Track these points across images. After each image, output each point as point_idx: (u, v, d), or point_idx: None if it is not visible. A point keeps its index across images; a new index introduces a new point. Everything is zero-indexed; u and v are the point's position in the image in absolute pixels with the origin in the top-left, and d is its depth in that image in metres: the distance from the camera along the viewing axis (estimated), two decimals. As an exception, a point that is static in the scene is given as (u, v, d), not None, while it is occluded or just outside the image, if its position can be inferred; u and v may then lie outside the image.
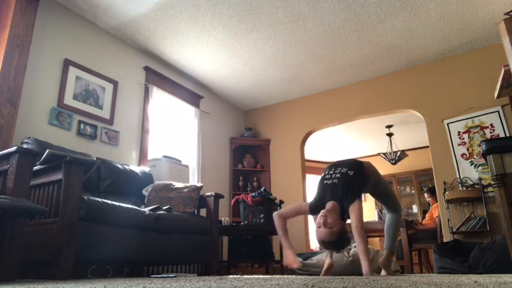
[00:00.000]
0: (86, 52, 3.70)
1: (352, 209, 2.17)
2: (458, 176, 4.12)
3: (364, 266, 2.08)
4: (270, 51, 4.35)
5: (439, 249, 3.42)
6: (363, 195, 2.55)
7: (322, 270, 2.53)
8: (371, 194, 2.63)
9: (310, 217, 5.26)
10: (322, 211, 2.19)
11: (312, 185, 8.38)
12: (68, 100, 3.44)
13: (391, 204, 2.65)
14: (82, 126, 3.50)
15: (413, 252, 4.95)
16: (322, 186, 2.35)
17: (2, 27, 2.97)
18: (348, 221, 2.24)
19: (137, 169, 3.52)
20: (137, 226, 2.58)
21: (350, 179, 2.27)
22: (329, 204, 2.22)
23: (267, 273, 3.59)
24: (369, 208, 8.19)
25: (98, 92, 3.71)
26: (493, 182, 2.20)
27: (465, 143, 4.16)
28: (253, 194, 3.80)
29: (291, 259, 2.30)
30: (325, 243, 2.17)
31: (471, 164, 4.08)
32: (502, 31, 2.30)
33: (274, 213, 2.44)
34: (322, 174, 2.43)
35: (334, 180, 2.30)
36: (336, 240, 2.14)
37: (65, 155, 2.20)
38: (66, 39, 3.53)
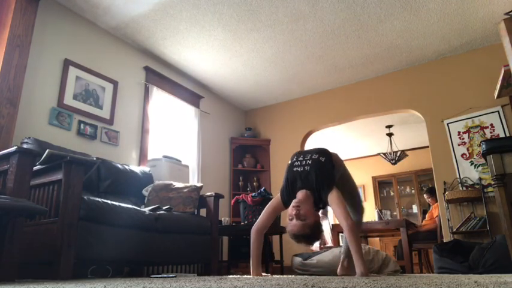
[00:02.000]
0: (86, 52, 3.70)
1: (334, 200, 2.00)
2: (458, 176, 4.12)
3: (359, 267, 1.89)
4: (270, 51, 4.35)
5: (439, 249, 3.42)
6: None
7: (337, 269, 2.42)
8: (339, 185, 2.37)
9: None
10: (294, 201, 2.02)
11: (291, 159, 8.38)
12: (68, 100, 3.44)
13: (352, 201, 2.39)
14: (82, 126, 3.50)
15: (413, 252, 4.95)
16: (292, 174, 2.15)
17: (2, 27, 2.97)
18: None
19: (137, 169, 3.52)
20: (137, 226, 2.58)
21: (323, 166, 2.10)
22: (301, 194, 2.05)
23: (266, 273, 3.58)
24: (369, 208, 8.19)
25: (98, 92, 3.71)
26: (493, 182, 2.20)
27: (465, 143, 4.16)
28: (253, 194, 3.80)
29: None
30: (298, 237, 1.99)
31: (471, 164, 4.08)
32: (502, 31, 2.30)
33: (252, 229, 2.20)
34: (290, 162, 2.23)
35: (306, 168, 2.11)
36: (310, 233, 1.98)
37: (65, 155, 2.20)
38: (66, 39, 3.53)
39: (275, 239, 4.86)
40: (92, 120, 3.62)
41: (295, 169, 2.16)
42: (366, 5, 3.56)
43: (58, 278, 1.98)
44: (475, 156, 4.07)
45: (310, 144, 6.94)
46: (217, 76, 4.94)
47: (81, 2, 3.52)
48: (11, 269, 1.72)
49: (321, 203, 2.07)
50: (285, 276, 2.44)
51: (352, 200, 2.40)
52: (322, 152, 2.22)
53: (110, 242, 2.36)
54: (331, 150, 2.31)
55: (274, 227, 3.78)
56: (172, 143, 4.53)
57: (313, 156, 2.16)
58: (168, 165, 3.87)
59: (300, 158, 2.20)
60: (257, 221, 2.23)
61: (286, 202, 2.14)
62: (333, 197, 2.01)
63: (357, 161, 8.70)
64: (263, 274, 2.19)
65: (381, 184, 8.52)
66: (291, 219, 2.00)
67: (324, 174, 2.08)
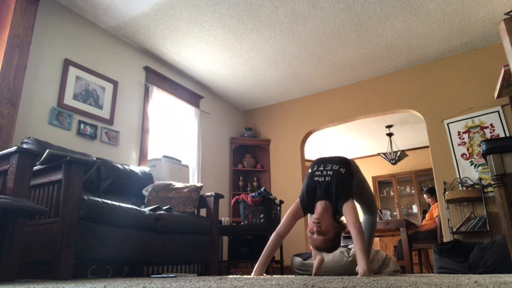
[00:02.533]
0: (86, 52, 3.70)
1: (348, 210, 2.08)
2: (458, 176, 4.12)
3: (362, 265, 1.94)
4: (270, 51, 4.35)
5: (439, 249, 3.42)
6: None
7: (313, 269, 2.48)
8: (355, 192, 2.48)
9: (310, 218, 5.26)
10: (314, 217, 2.09)
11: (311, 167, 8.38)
12: (68, 100, 3.44)
13: (369, 205, 2.54)
14: (82, 126, 3.50)
15: (413, 252, 4.95)
16: (313, 183, 2.21)
17: (2, 27, 2.97)
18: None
19: (137, 169, 3.52)
20: (137, 226, 2.58)
21: (343, 178, 2.18)
22: (321, 205, 2.11)
23: (266, 273, 3.58)
24: (369, 208, 8.18)
25: (98, 92, 3.71)
26: (493, 182, 2.20)
27: (465, 143, 4.16)
28: (253, 194, 3.80)
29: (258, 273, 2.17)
30: (319, 249, 2.10)
31: (471, 164, 4.08)
32: (502, 31, 2.29)
33: (274, 233, 2.26)
34: (311, 170, 2.29)
35: (327, 178, 2.18)
36: (332, 245, 2.08)
37: (65, 155, 2.20)
38: (66, 39, 3.53)
39: (275, 239, 4.86)
40: (92, 120, 3.62)
41: (316, 178, 2.22)
42: (366, 5, 3.56)
43: (58, 278, 1.98)
44: (475, 156, 4.07)
45: (310, 144, 6.96)
46: (217, 76, 4.94)
47: (81, 2, 3.52)
48: (11, 269, 1.72)
49: (338, 214, 2.15)
50: (285, 276, 2.44)
51: (368, 203, 2.53)
52: (343, 162, 2.30)
53: (110, 242, 2.36)
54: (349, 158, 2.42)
55: (274, 227, 3.78)
56: (172, 143, 4.53)
57: (333, 167, 2.23)
58: (168, 165, 3.87)
59: (321, 168, 2.26)
60: (278, 225, 2.30)
61: (305, 209, 2.22)
62: (347, 206, 2.09)
63: (357, 161, 8.61)
64: (264, 274, 2.20)
65: (381, 184, 8.52)
66: (312, 234, 2.07)
67: (344, 186, 2.15)
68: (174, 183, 3.48)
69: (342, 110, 5.18)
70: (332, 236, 2.04)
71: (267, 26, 3.86)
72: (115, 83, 3.90)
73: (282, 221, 2.29)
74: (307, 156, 7.58)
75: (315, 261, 2.48)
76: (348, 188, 2.17)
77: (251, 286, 1.13)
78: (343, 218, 2.15)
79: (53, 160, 2.24)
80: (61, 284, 1.48)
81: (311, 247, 2.23)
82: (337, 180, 2.16)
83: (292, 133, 5.52)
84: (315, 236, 2.04)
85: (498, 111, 4.02)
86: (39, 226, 2.19)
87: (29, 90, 3.13)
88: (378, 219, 5.82)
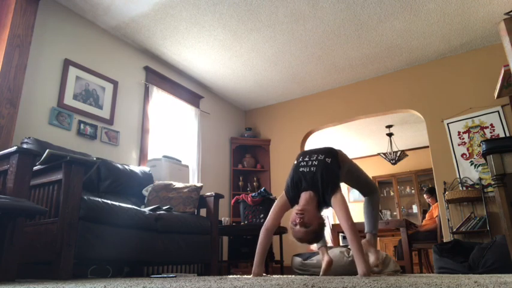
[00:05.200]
0: (86, 52, 3.70)
1: (337, 203, 2.02)
2: (458, 176, 4.12)
3: (360, 267, 1.89)
4: (270, 51, 4.35)
5: (439, 249, 3.42)
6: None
7: (321, 270, 2.46)
8: (345, 181, 2.40)
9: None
10: (297, 208, 2.03)
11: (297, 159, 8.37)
12: (68, 100, 3.44)
13: (366, 186, 2.47)
14: (82, 126, 3.50)
15: (413, 252, 4.95)
16: (298, 174, 2.15)
17: (2, 27, 2.97)
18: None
19: (137, 169, 3.52)
20: (137, 226, 2.58)
21: (329, 167, 2.11)
22: (305, 196, 2.06)
23: (266, 273, 3.59)
24: (369, 208, 8.17)
25: (98, 92, 3.71)
26: (493, 182, 2.20)
27: (465, 143, 4.16)
28: (253, 194, 3.80)
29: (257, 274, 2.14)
30: (302, 240, 2.02)
31: (471, 164, 4.08)
32: (502, 31, 2.29)
33: (262, 229, 2.22)
34: (296, 161, 2.24)
35: (312, 168, 2.11)
36: (314, 237, 2.02)
37: (65, 155, 2.20)
38: (66, 39, 3.53)
39: (275, 239, 4.86)
40: (92, 120, 3.62)
41: (301, 169, 2.16)
42: (366, 5, 3.56)
43: (58, 278, 1.98)
44: (475, 156, 4.07)
45: (310, 144, 6.95)
46: (217, 76, 4.94)
47: (81, 2, 3.52)
48: (11, 269, 1.72)
49: (324, 205, 2.09)
50: (285, 276, 2.44)
51: (364, 185, 2.46)
52: (328, 152, 2.22)
53: (110, 242, 2.36)
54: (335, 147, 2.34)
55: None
56: (172, 143, 4.54)
57: (319, 157, 2.16)
58: (168, 165, 3.87)
59: (306, 159, 2.20)
60: (265, 221, 2.25)
61: (291, 200, 2.16)
62: (336, 199, 2.03)
63: (357, 161, 8.63)
64: (263, 274, 2.19)
65: (381, 184, 8.52)
66: (295, 225, 2.00)
67: (330, 176, 2.09)
68: (174, 183, 3.48)
69: (342, 110, 5.18)
70: (315, 228, 1.99)
71: (267, 26, 3.86)
72: (115, 83, 3.90)
73: (269, 215, 2.23)
74: (307, 156, 7.58)
75: (323, 263, 2.42)
76: (334, 177, 2.10)
77: (251, 286, 1.13)
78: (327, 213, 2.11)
79: (53, 160, 2.24)
80: (61, 284, 1.48)
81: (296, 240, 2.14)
82: (323, 170, 2.09)
83: (292, 133, 5.52)
84: (298, 227, 1.98)
85: (498, 111, 4.02)
86: (39, 226, 2.19)
87: (29, 90, 3.13)
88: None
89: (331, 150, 2.26)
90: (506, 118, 3.97)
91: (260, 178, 5.64)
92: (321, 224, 2.04)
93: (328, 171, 2.10)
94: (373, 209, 2.46)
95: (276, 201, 2.26)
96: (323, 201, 2.07)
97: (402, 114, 5.47)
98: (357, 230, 2.02)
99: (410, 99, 4.68)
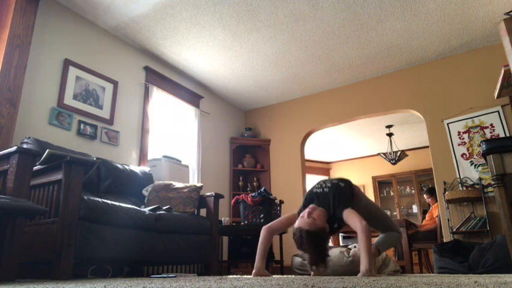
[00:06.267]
0: (86, 52, 3.70)
1: (349, 214, 2.07)
2: (458, 176, 4.12)
3: (364, 263, 1.90)
4: (270, 51, 4.35)
5: (439, 249, 3.42)
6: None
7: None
8: (365, 215, 2.29)
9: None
10: (309, 206, 2.14)
11: (312, 185, 8.39)
12: (68, 100, 3.44)
13: (388, 226, 2.42)
14: (82, 126, 3.50)
15: (413, 252, 4.95)
16: (311, 194, 2.29)
17: (2, 27, 2.97)
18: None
19: (137, 169, 3.52)
20: (137, 226, 2.58)
21: (341, 189, 2.21)
22: (313, 205, 2.16)
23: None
24: (369, 208, 8.17)
25: (98, 92, 3.71)
26: (493, 182, 2.21)
27: (465, 143, 4.16)
28: (253, 194, 3.80)
29: (259, 272, 2.16)
30: (301, 232, 2.01)
31: (471, 164, 4.08)
32: (502, 31, 2.29)
33: (264, 227, 2.31)
34: (311, 187, 2.38)
35: (325, 189, 2.23)
36: (314, 233, 2.00)
37: (65, 155, 2.20)
38: (66, 39, 3.53)
39: (275, 239, 4.86)
40: (92, 120, 3.62)
41: (314, 190, 2.29)
42: (366, 5, 3.56)
43: (58, 278, 1.98)
44: (475, 156, 4.07)
45: (310, 144, 6.96)
46: (217, 76, 4.94)
47: (81, 2, 3.52)
48: (11, 269, 1.72)
49: (335, 222, 2.13)
50: (285, 276, 2.44)
51: (385, 223, 2.43)
52: (343, 179, 2.34)
53: (110, 242, 2.36)
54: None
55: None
56: (172, 143, 4.53)
57: (333, 181, 2.29)
58: (168, 165, 3.87)
59: (321, 183, 2.34)
60: (272, 222, 2.37)
61: (300, 212, 2.23)
62: (348, 211, 2.08)
63: (357, 161, 8.70)
64: (266, 271, 2.20)
65: (381, 184, 8.52)
66: (302, 217, 2.08)
67: (342, 196, 2.17)
68: (174, 183, 3.48)
69: (342, 110, 5.18)
70: (320, 224, 2.04)
71: (267, 26, 3.86)
72: (115, 83, 3.90)
73: (278, 219, 2.37)
74: (307, 156, 7.58)
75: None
76: (347, 197, 2.18)
77: (251, 286, 1.13)
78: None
79: (53, 160, 2.24)
80: (61, 284, 1.48)
81: (294, 236, 2.13)
82: (335, 191, 2.20)
83: (292, 133, 5.52)
84: (304, 218, 2.06)
85: (498, 111, 4.02)
86: (39, 226, 2.19)
87: (29, 90, 3.13)
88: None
89: (347, 179, 2.37)
90: (506, 118, 3.97)
91: (260, 178, 5.64)
92: (325, 229, 2.07)
93: (340, 192, 2.19)
94: (390, 238, 2.41)
95: (288, 213, 2.36)
96: (333, 218, 2.12)
97: (402, 114, 5.47)
98: (370, 232, 2.02)
99: (410, 99, 4.68)
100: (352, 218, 2.05)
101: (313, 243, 2.02)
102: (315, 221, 2.04)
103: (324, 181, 2.33)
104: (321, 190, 2.24)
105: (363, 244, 1.95)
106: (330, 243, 4.94)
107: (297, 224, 2.08)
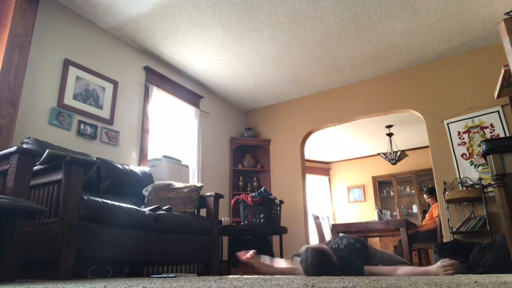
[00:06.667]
0: (86, 52, 3.70)
1: (375, 269, 2.10)
2: (458, 176, 4.12)
3: (426, 270, 2.03)
4: (270, 51, 4.35)
5: (439, 249, 3.42)
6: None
7: None
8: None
9: (310, 218, 5.26)
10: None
11: (312, 185, 8.37)
12: (68, 100, 3.44)
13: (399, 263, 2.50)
14: (82, 126, 3.50)
15: (413, 252, 4.95)
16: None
17: (2, 27, 2.97)
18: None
19: (137, 169, 3.52)
20: (137, 226, 2.58)
21: (357, 248, 2.27)
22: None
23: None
24: (370, 208, 8.19)
25: (98, 92, 3.71)
26: (493, 182, 2.21)
27: (465, 143, 4.16)
28: (253, 194, 3.80)
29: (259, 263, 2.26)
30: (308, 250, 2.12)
31: (471, 164, 4.08)
32: (502, 31, 2.29)
33: (299, 267, 2.32)
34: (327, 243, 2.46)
35: (340, 246, 2.31)
36: (328, 260, 2.06)
37: (65, 155, 2.20)
38: (66, 39, 3.53)
39: (275, 239, 4.87)
40: (92, 120, 3.62)
41: (329, 245, 2.36)
42: (366, 5, 3.56)
43: (58, 278, 1.98)
44: (475, 156, 4.07)
45: (310, 144, 6.96)
46: (217, 76, 4.94)
47: (81, 2, 3.52)
48: (11, 269, 1.72)
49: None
50: (285, 276, 2.43)
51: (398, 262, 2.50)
52: (359, 240, 2.39)
53: (110, 242, 2.36)
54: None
55: (274, 227, 3.78)
56: (172, 143, 4.53)
57: (349, 240, 2.36)
58: (168, 165, 3.87)
59: (337, 240, 2.42)
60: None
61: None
62: (368, 268, 2.11)
63: (357, 161, 8.70)
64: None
65: (381, 184, 8.52)
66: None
67: (358, 254, 2.21)
68: (174, 183, 3.48)
69: (342, 110, 5.18)
70: (332, 255, 2.10)
71: (267, 26, 3.86)
72: (115, 83, 3.90)
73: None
74: (307, 156, 7.59)
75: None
76: (363, 255, 2.22)
77: (251, 286, 1.13)
78: None
79: (53, 160, 2.24)
80: (61, 284, 1.48)
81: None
82: (351, 249, 2.25)
83: (292, 133, 5.52)
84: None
85: (498, 111, 4.02)
86: (39, 226, 2.19)
87: (29, 90, 3.13)
88: (378, 219, 5.80)
89: (362, 240, 2.40)
90: (506, 118, 3.97)
91: (260, 178, 5.64)
92: (335, 262, 2.08)
93: (356, 252, 2.23)
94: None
95: None
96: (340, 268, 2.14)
97: (402, 114, 5.46)
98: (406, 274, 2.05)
99: (410, 99, 4.68)
100: (380, 269, 2.10)
101: (326, 263, 2.11)
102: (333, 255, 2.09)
103: (341, 239, 2.40)
104: (336, 246, 2.33)
105: (412, 273, 2.02)
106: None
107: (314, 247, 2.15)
